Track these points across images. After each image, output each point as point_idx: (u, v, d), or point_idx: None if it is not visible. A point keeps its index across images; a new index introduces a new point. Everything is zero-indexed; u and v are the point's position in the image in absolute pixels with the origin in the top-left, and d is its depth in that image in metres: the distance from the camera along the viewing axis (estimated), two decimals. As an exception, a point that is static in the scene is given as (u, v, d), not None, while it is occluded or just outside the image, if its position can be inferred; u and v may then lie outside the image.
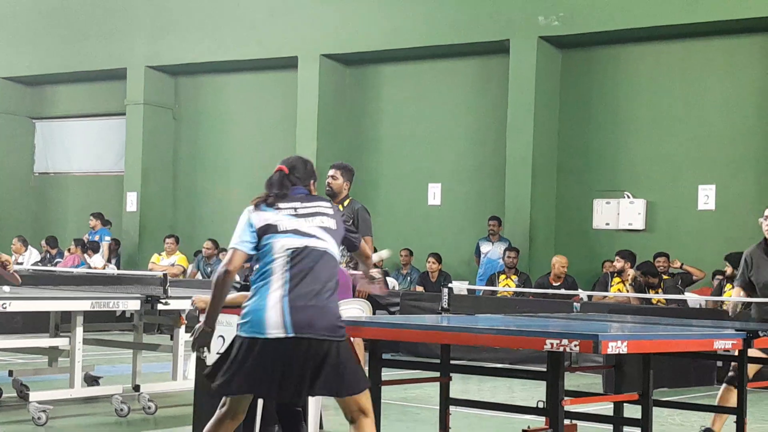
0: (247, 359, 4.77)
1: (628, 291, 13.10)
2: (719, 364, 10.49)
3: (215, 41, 18.61)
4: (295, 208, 4.96)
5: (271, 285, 4.82)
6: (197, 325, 5.11)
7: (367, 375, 5.19)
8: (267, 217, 4.92)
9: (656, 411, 5.91)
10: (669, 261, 13.85)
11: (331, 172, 8.81)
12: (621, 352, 4.84)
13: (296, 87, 17.74)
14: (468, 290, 14.88)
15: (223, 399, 5.02)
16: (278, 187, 5.01)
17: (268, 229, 4.89)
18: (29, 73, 20.86)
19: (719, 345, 5.53)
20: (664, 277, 13.46)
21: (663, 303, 12.83)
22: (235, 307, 6.72)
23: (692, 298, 12.97)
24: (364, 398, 4.92)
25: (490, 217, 15.63)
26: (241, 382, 4.79)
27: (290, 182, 5.06)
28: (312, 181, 5.17)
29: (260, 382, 4.77)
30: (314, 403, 6.49)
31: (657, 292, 12.90)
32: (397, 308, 13.19)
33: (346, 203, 8.90)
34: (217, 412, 5.06)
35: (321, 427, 6.99)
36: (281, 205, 4.95)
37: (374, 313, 7.68)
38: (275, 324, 4.74)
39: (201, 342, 4.97)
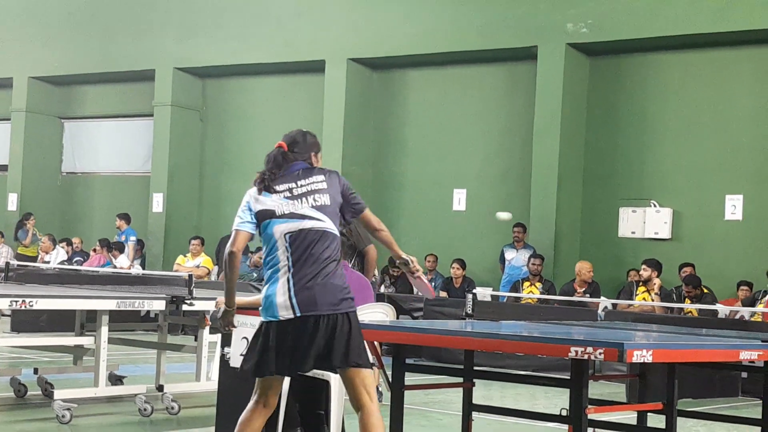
0: (267, 342, 5.07)
1: (653, 300, 13.03)
2: (744, 375, 10.40)
3: (243, 44, 18.68)
4: (291, 189, 5.15)
5: (279, 270, 5.08)
6: (219, 307, 5.45)
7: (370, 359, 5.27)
8: (264, 201, 5.16)
9: (680, 421, 5.87)
10: (695, 271, 13.73)
11: None
12: (646, 360, 4.81)
13: (323, 90, 17.77)
14: (492, 296, 14.84)
15: (255, 386, 5.23)
16: (274, 164, 5.20)
17: (266, 214, 5.14)
18: (58, 73, 21.02)
19: (745, 356, 5.49)
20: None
21: (694, 313, 12.72)
22: (257, 309, 6.76)
23: (723, 309, 12.87)
24: (369, 379, 5.07)
25: (515, 224, 15.59)
26: (264, 363, 5.07)
27: (290, 158, 5.23)
28: (313, 153, 5.31)
29: (280, 361, 5.05)
30: (336, 407, 6.50)
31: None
32: (421, 313, 13.18)
33: None
34: (250, 400, 5.25)
35: (343, 430, 6.99)
36: (278, 187, 5.16)
37: (398, 318, 7.68)
38: (284, 306, 5.03)
39: (225, 321, 5.34)
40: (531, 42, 15.87)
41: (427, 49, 16.88)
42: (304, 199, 5.12)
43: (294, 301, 5.00)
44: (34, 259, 18.30)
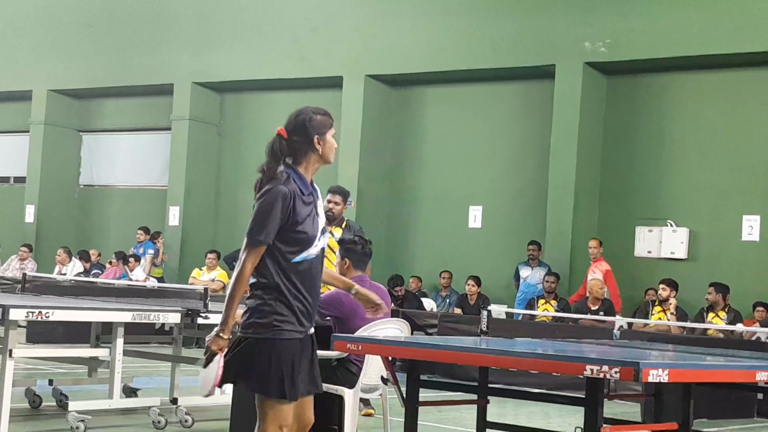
0: None
1: (669, 320, 12.97)
2: (760, 396, 10.35)
3: (261, 59, 18.76)
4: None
5: None
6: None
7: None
8: None
9: (695, 442, 5.84)
10: (717, 293, 13.56)
11: (334, 198, 8.93)
12: (662, 380, 4.79)
13: (340, 106, 17.81)
14: (506, 314, 14.81)
15: None
16: (272, 158, 4.71)
17: None
18: (77, 86, 21.15)
19: (762, 377, 5.46)
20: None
21: (713, 333, 12.64)
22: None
23: (743, 330, 12.78)
24: (261, 409, 4.70)
25: (529, 242, 15.58)
26: None
27: (285, 154, 4.72)
28: (317, 137, 4.72)
29: None
30: (351, 422, 6.49)
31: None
32: (435, 330, 13.15)
33: (343, 225, 9.26)
34: None
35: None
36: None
37: (412, 334, 7.67)
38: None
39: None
40: (548, 60, 15.89)
41: (445, 66, 16.92)
42: None
43: None
44: (160, 280, 17.72)
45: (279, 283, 4.64)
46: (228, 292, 4.66)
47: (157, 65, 19.94)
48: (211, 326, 8.39)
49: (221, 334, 4.61)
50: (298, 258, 4.68)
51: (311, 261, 4.73)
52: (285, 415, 4.65)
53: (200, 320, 8.04)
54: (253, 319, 4.64)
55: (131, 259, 18.07)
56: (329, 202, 9.08)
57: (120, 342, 7.98)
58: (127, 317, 7.85)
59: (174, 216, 19.53)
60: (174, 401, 8.37)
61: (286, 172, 4.72)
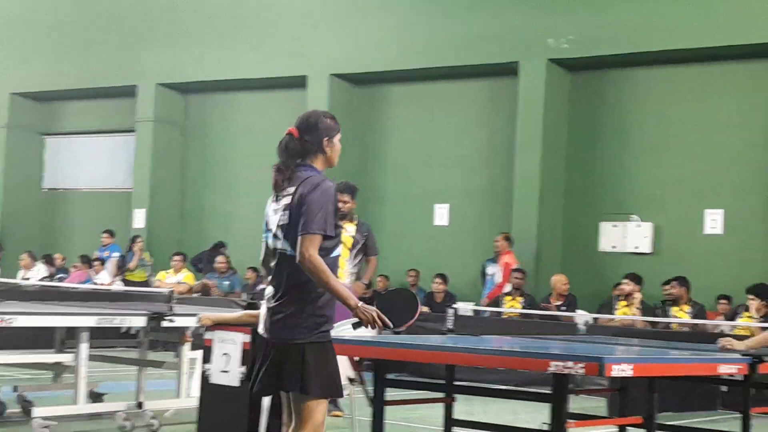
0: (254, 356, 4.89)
1: (634, 314, 13.06)
2: (724, 389, 10.44)
3: (225, 59, 18.68)
4: (278, 198, 4.76)
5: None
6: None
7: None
8: (267, 209, 4.88)
9: (660, 435, 5.89)
10: (680, 287, 13.64)
11: (343, 197, 8.96)
12: (626, 375, 4.83)
13: (305, 106, 17.74)
14: (474, 311, 14.84)
15: None
16: (287, 157, 4.78)
17: (266, 224, 4.86)
18: (40, 89, 20.98)
19: (724, 369, 5.52)
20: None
21: (676, 327, 12.74)
22: (239, 326, 6.75)
23: (708, 323, 12.89)
24: (309, 408, 4.73)
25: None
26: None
27: (298, 151, 4.78)
28: (326, 139, 4.82)
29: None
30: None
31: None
32: (402, 328, 13.14)
33: (354, 223, 9.34)
34: None
35: None
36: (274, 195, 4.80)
37: (379, 333, 7.67)
38: (261, 322, 4.79)
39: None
40: (513, 57, 15.95)
41: (409, 64, 16.93)
42: (279, 214, 4.75)
43: (264, 321, 4.74)
44: (142, 285, 17.31)
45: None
46: (327, 282, 4.53)
47: (120, 67, 19.80)
48: (177, 329, 8.37)
49: (357, 305, 4.61)
50: (335, 253, 4.70)
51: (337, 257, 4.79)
52: None
53: (165, 323, 7.99)
54: (309, 322, 4.62)
55: (96, 263, 17.94)
56: (338, 201, 8.99)
57: (85, 347, 7.93)
58: (91, 321, 7.80)
59: (139, 218, 19.41)
60: (140, 405, 8.32)
61: (310, 169, 4.77)
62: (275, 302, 4.69)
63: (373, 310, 4.66)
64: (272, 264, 4.78)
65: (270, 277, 4.80)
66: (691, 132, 15.21)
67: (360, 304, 4.64)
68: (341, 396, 4.75)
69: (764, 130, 14.71)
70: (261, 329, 4.80)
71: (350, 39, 17.51)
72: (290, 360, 4.59)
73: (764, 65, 14.73)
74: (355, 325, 4.70)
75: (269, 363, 4.67)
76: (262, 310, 4.82)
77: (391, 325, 4.74)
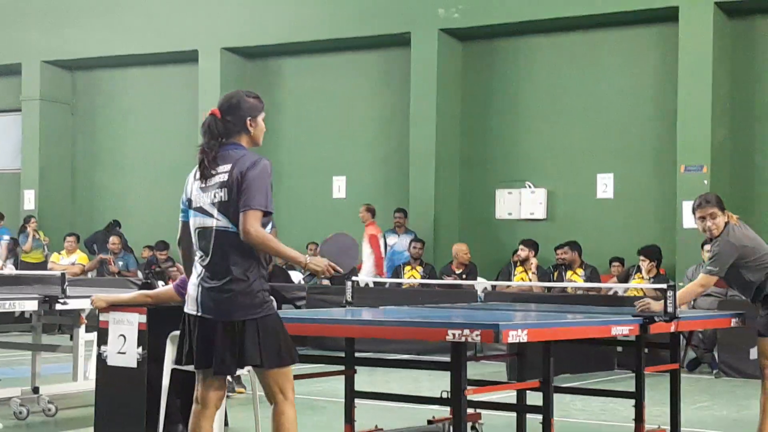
0: (184, 335, 4.86)
1: (531, 280, 13.27)
2: (619, 349, 10.70)
3: (113, 34, 18.30)
4: (206, 177, 4.73)
5: (195, 264, 4.82)
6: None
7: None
8: (188, 188, 4.84)
9: (558, 397, 6.00)
10: (572, 251, 13.91)
11: None
12: (521, 340, 4.90)
13: (197, 80, 17.54)
14: (375, 283, 14.89)
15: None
16: (210, 137, 4.76)
17: (189, 203, 4.83)
18: None
19: (617, 331, 5.64)
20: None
21: (571, 291, 12.99)
22: (134, 306, 6.65)
23: (603, 287, 13.15)
24: (281, 377, 4.79)
25: (395, 210, 15.69)
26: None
27: (221, 133, 4.76)
28: (249, 119, 4.82)
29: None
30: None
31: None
32: (304, 302, 13.14)
33: None
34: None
35: (226, 423, 6.94)
36: (196, 174, 4.78)
37: (280, 308, 7.64)
38: (192, 302, 4.77)
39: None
40: (404, 28, 15.99)
41: (301, 37, 16.84)
42: (210, 192, 4.71)
43: (199, 300, 4.72)
44: (40, 266, 16.80)
45: (259, 257, 4.70)
46: (277, 249, 4.65)
47: (3, 44, 19.23)
48: (71, 312, 8.20)
49: (307, 261, 4.76)
50: (267, 229, 4.72)
51: None
52: None
53: (59, 306, 7.81)
54: (258, 299, 4.66)
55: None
56: None
57: (-25, 333, 7.71)
58: (-19, 307, 7.57)
59: (29, 200, 18.95)
60: (35, 390, 8.15)
61: (240, 148, 4.78)
62: (218, 282, 4.66)
63: (323, 261, 4.80)
64: (199, 243, 4.74)
65: (201, 256, 4.74)
66: (582, 98, 15.48)
67: (308, 258, 4.78)
68: (297, 361, 4.82)
69: (653, 96, 15.04)
70: (194, 309, 4.73)
71: (241, 12, 17.30)
72: (247, 337, 4.63)
73: (650, 30, 15.04)
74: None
75: (220, 342, 4.66)
76: (196, 290, 4.73)
77: (342, 270, 4.87)
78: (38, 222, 18.33)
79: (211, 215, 4.71)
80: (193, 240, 4.80)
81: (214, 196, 4.70)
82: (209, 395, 4.83)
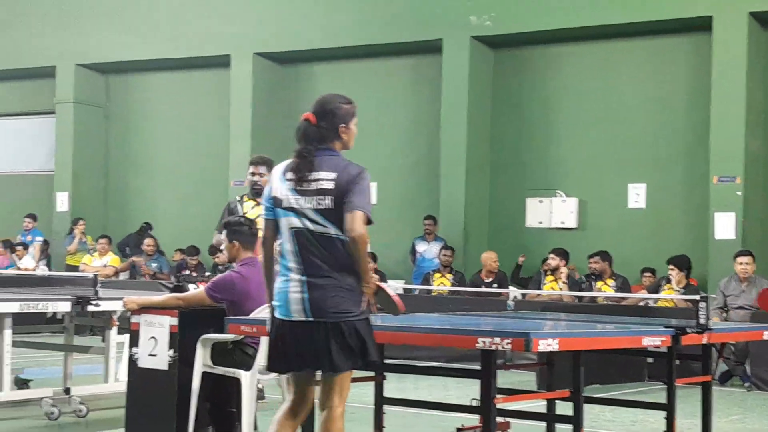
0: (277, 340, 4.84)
1: (561, 289, 13.22)
2: (650, 360, 10.64)
3: (146, 38, 18.43)
4: (300, 179, 4.75)
5: (287, 268, 4.80)
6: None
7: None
8: (276, 187, 4.84)
9: (587, 407, 5.97)
10: (603, 261, 13.82)
11: (259, 169, 8.62)
12: (552, 349, 4.89)
13: (229, 85, 17.63)
14: (404, 289, 14.90)
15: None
16: (305, 141, 4.84)
17: (275, 202, 4.82)
18: (-44, 70, 20.47)
19: (648, 342, 5.61)
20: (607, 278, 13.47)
21: (601, 301, 12.93)
22: (165, 308, 6.69)
23: (631, 296, 13.09)
24: (339, 382, 4.84)
25: (425, 217, 15.70)
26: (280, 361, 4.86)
27: (315, 138, 4.82)
28: (343, 126, 4.86)
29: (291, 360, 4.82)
30: (248, 405, 6.46)
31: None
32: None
33: None
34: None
35: (255, 428, 6.96)
36: (288, 175, 4.81)
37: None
38: (288, 306, 4.75)
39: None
40: (435, 35, 15.99)
41: (334, 42, 16.87)
42: (309, 197, 4.74)
43: (305, 304, 4.71)
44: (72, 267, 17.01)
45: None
46: (365, 257, 4.74)
47: (38, 47, 19.41)
48: (103, 313, 8.26)
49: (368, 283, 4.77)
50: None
51: None
52: None
53: (91, 307, 7.88)
54: (358, 299, 4.75)
55: (19, 248, 17.61)
56: (254, 174, 8.54)
57: (8, 333, 7.78)
58: (14, 307, 7.65)
59: (62, 202, 19.10)
60: (67, 391, 8.21)
61: (333, 154, 4.86)
62: (324, 280, 4.70)
63: (386, 287, 4.84)
64: (296, 246, 4.74)
65: (296, 259, 4.74)
66: (613, 107, 15.42)
67: (374, 276, 4.87)
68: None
69: (684, 105, 14.97)
70: (297, 313, 4.72)
71: (274, 17, 17.37)
72: (350, 336, 4.72)
73: (683, 40, 14.96)
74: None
75: (310, 343, 4.71)
76: (297, 294, 4.72)
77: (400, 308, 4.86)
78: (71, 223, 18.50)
79: (314, 221, 4.72)
80: (288, 241, 4.78)
81: (318, 203, 4.73)
82: (307, 396, 4.91)
